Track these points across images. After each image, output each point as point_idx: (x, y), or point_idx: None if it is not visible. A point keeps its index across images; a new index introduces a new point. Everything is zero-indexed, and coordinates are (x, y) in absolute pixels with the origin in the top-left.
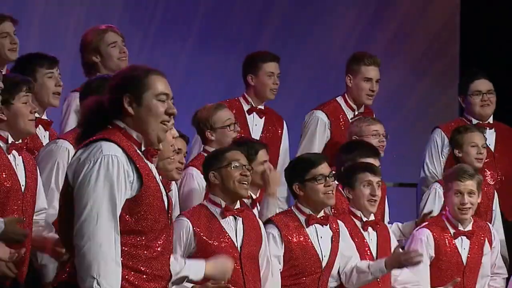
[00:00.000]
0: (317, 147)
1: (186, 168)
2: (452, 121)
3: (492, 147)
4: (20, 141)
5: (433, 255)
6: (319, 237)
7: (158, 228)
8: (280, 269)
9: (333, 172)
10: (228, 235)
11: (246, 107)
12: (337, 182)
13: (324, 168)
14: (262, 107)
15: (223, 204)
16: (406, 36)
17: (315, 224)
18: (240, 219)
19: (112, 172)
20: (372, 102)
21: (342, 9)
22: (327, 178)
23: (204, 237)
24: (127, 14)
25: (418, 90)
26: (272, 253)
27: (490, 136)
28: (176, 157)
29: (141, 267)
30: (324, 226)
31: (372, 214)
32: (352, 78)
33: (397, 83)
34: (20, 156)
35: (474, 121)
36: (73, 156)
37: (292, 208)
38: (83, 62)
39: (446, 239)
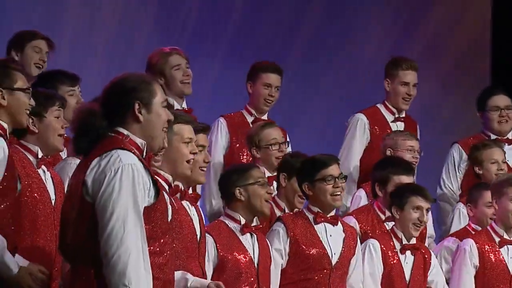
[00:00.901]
0: (358, 148)
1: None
2: (470, 137)
3: (511, 163)
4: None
5: (478, 264)
6: (328, 235)
7: (168, 234)
8: (282, 264)
9: (344, 174)
10: (248, 251)
11: (250, 119)
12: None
13: (334, 169)
14: (265, 118)
15: (243, 220)
16: (436, 50)
17: (324, 223)
18: (255, 236)
19: (134, 181)
20: (408, 107)
21: (373, 22)
22: (337, 179)
23: (224, 253)
24: (156, 31)
25: (447, 104)
26: (274, 247)
27: (509, 151)
28: (199, 157)
29: (155, 274)
30: (334, 225)
31: (414, 238)
32: (390, 83)
33: (426, 97)
34: (49, 172)
35: (493, 137)
36: (88, 164)
37: (303, 208)
38: None
39: (491, 248)
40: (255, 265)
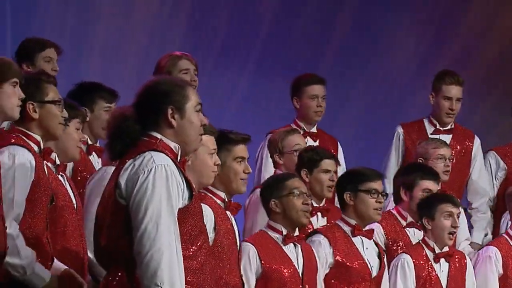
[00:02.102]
0: (394, 160)
1: (254, 190)
2: (507, 145)
3: None
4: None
5: (502, 272)
6: (365, 248)
7: (202, 239)
8: (325, 272)
9: (386, 193)
10: (292, 262)
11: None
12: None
13: (379, 185)
14: (315, 130)
15: (285, 231)
16: (468, 58)
17: (360, 236)
18: (299, 246)
19: (167, 181)
20: (452, 121)
21: (404, 31)
22: (380, 195)
23: (268, 264)
24: (187, 42)
25: (478, 114)
26: (318, 255)
27: None
28: (239, 167)
29: (188, 278)
30: (369, 240)
31: (447, 246)
32: (434, 96)
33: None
34: (64, 176)
35: None
36: (121, 167)
37: (337, 221)
38: None
39: None
40: (300, 275)
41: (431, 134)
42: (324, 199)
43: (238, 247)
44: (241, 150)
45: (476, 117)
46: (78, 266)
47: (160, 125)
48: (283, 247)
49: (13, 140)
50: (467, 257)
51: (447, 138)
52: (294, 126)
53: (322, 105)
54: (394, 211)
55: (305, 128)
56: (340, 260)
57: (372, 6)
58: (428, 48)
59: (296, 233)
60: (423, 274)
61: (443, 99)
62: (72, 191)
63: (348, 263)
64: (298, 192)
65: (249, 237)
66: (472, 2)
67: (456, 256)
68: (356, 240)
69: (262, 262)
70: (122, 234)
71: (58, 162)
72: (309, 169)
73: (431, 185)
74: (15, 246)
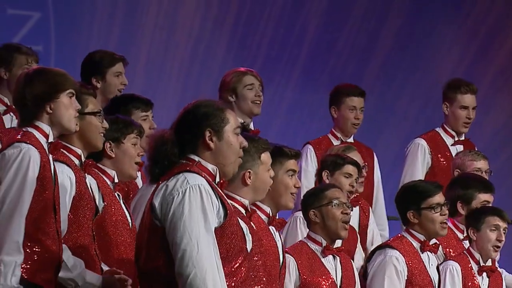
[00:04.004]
0: (420, 173)
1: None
2: None
3: None
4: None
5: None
6: (430, 264)
7: (241, 256)
8: None
9: (447, 201)
10: (330, 274)
11: (336, 143)
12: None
13: (440, 197)
14: (352, 140)
15: (324, 242)
16: (510, 72)
17: (427, 252)
18: (338, 258)
19: (202, 201)
20: (468, 130)
21: (447, 45)
22: (443, 207)
23: (306, 275)
24: (230, 55)
25: None
26: (395, 272)
27: None
28: (290, 181)
29: None
30: (434, 254)
31: (490, 260)
32: (448, 106)
33: (503, 120)
34: (120, 196)
35: None
36: (156, 188)
37: (404, 234)
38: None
39: None
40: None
41: (452, 145)
42: None
43: (281, 263)
44: (292, 164)
45: None
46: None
47: (198, 148)
48: (322, 259)
49: (54, 156)
50: (503, 276)
51: (461, 149)
52: (331, 136)
53: (360, 117)
54: (450, 223)
55: (342, 139)
56: (411, 280)
57: (417, 18)
58: (472, 60)
59: (337, 244)
60: (469, 284)
61: (460, 108)
62: (127, 210)
63: (418, 282)
64: (337, 202)
65: (289, 247)
66: None
67: (494, 272)
68: (424, 257)
69: (301, 274)
70: (160, 255)
71: (116, 180)
72: (331, 171)
73: (489, 198)
74: (63, 262)
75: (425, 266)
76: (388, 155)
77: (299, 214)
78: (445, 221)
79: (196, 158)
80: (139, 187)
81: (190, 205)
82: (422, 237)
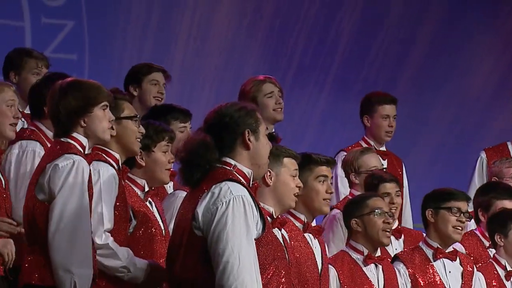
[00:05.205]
0: (476, 184)
1: (331, 210)
2: None
3: None
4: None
5: None
6: (447, 271)
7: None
8: None
9: (471, 214)
10: (372, 283)
11: None
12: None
13: (463, 205)
14: (384, 149)
15: (366, 251)
16: None
17: (443, 259)
18: (380, 266)
19: (246, 212)
20: None
21: (482, 52)
22: (462, 214)
23: (348, 285)
24: (264, 62)
25: None
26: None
27: None
28: (321, 187)
29: None
30: (453, 261)
31: None
32: None
33: None
34: (154, 202)
35: None
36: (198, 197)
37: (420, 244)
38: None
39: None
40: None
41: None
42: None
43: (320, 270)
44: (323, 170)
45: None
46: None
47: (235, 149)
48: (364, 268)
49: (96, 158)
50: None
51: None
52: (363, 143)
53: (393, 125)
54: (477, 232)
55: (375, 147)
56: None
57: (452, 26)
58: (506, 69)
59: (378, 253)
60: None
61: None
62: (160, 217)
63: None
64: (379, 211)
65: (330, 257)
66: None
67: None
68: (437, 264)
69: (342, 283)
70: (198, 265)
71: (147, 188)
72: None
73: (507, 204)
74: (112, 251)
75: (437, 274)
76: (423, 163)
77: (335, 211)
78: (459, 226)
79: (233, 162)
80: (168, 190)
81: (234, 217)
82: (435, 245)
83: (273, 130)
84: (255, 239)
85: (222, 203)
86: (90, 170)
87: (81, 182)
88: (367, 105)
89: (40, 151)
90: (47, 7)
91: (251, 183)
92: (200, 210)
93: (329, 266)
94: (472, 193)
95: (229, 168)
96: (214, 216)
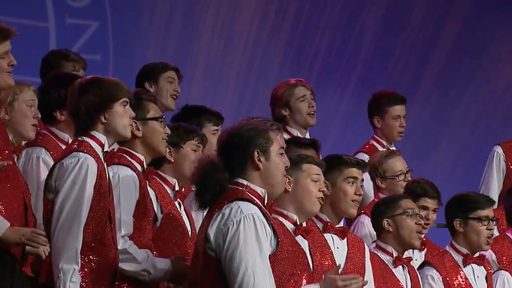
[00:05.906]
0: (495, 182)
1: (359, 215)
2: None
3: None
4: (183, 189)
5: None
6: (476, 276)
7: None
8: None
9: (496, 218)
10: (401, 284)
11: (381, 150)
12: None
13: (490, 212)
14: (394, 148)
15: (395, 253)
16: None
17: (471, 264)
18: (407, 267)
19: (257, 230)
20: None
21: (503, 56)
22: (490, 221)
23: (378, 286)
24: (287, 63)
25: None
26: None
27: None
28: (350, 188)
29: None
30: (479, 265)
31: None
32: None
33: None
34: (183, 205)
35: None
36: (209, 218)
37: (447, 248)
38: (273, 115)
39: None
40: None
41: None
42: None
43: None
44: (353, 171)
45: None
46: None
47: (246, 170)
48: (393, 269)
49: (116, 160)
50: None
51: None
52: (376, 144)
53: (404, 125)
54: (509, 234)
55: (388, 146)
56: None
57: (476, 25)
58: None
59: (405, 255)
60: None
61: None
62: (188, 218)
63: None
64: (411, 212)
65: None
66: None
67: None
68: (467, 270)
69: (374, 285)
70: (215, 284)
71: (177, 188)
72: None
73: None
74: (130, 256)
75: (467, 279)
76: (444, 165)
77: (364, 218)
78: (490, 236)
79: (245, 182)
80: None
81: (245, 235)
82: (465, 251)
83: (306, 134)
84: (270, 256)
85: (233, 223)
86: (105, 168)
87: (82, 179)
88: (376, 106)
89: (44, 156)
90: (71, 7)
91: (265, 202)
92: (211, 231)
93: None
94: (491, 190)
95: (241, 188)
96: (226, 236)
